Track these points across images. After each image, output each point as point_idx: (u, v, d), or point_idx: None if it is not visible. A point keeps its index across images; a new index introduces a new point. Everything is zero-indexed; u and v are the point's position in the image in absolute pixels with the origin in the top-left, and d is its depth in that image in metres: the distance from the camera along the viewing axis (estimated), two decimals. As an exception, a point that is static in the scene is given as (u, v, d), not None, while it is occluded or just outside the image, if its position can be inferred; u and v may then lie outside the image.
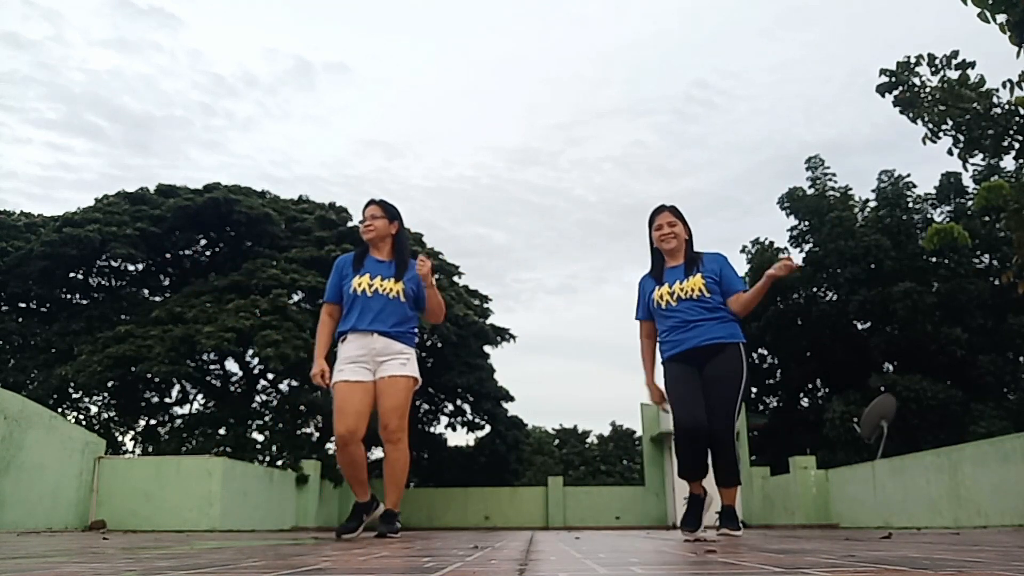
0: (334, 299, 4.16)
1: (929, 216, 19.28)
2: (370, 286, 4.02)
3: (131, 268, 18.38)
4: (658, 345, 4.08)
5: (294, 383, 17.64)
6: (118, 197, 17.96)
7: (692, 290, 3.91)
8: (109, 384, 15.39)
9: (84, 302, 18.28)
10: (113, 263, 17.85)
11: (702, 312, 3.88)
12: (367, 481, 4.09)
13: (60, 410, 15.26)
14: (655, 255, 4.13)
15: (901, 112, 7.13)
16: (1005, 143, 6.93)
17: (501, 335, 21.24)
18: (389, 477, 4.05)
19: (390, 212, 4.22)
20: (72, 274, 17.80)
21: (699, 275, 3.94)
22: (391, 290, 4.03)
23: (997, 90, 6.80)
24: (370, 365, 3.97)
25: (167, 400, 17.85)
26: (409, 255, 4.23)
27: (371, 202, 4.25)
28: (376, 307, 3.99)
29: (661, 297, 3.97)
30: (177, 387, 17.54)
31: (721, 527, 3.96)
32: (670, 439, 17.65)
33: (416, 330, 4.16)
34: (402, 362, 3.98)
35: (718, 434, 3.80)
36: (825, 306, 19.08)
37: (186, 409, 18.09)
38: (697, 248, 4.13)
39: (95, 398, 17.35)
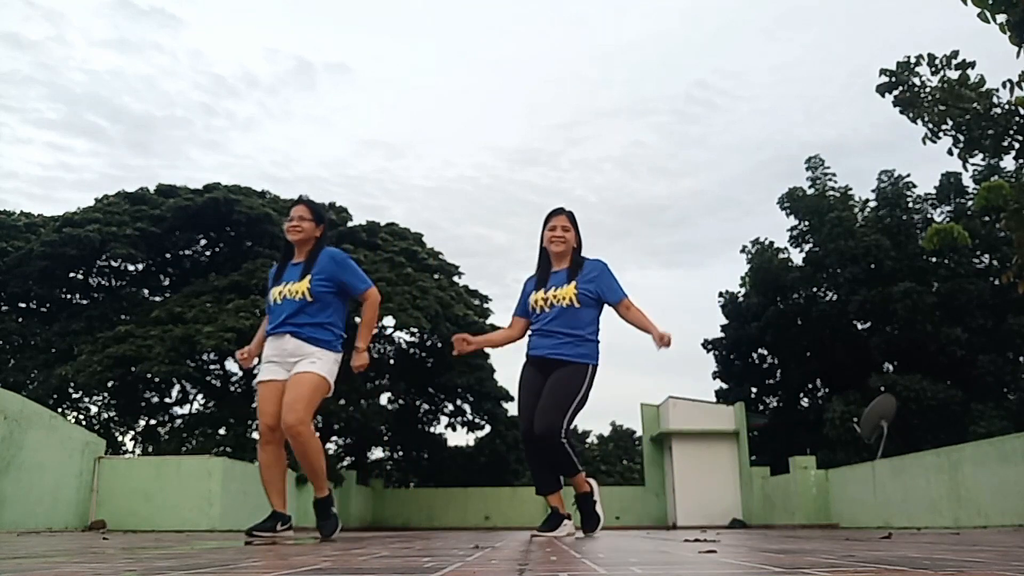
0: (267, 311, 4.19)
1: (929, 216, 19.28)
2: (280, 294, 4.01)
3: (131, 268, 18.38)
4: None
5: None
6: (118, 197, 17.96)
7: (563, 299, 4.02)
8: (109, 384, 15.40)
9: (84, 302, 18.28)
10: (113, 263, 17.85)
11: (564, 326, 4.01)
12: (283, 492, 4.06)
13: (60, 410, 15.26)
14: (542, 256, 4.22)
15: (901, 112, 7.12)
16: (1005, 143, 6.93)
17: (501, 335, 21.20)
18: (305, 467, 4.00)
19: (318, 215, 4.13)
20: (72, 274, 17.80)
21: (573, 284, 4.03)
22: (296, 291, 3.97)
23: (997, 90, 6.80)
24: (285, 365, 3.94)
25: (167, 400, 17.86)
26: (320, 253, 4.09)
27: (300, 201, 4.16)
28: (283, 311, 3.96)
29: (536, 302, 4.11)
30: (177, 387, 17.55)
31: (581, 527, 4.13)
32: (670, 439, 17.65)
33: (336, 332, 4.02)
34: (311, 361, 3.90)
35: (543, 441, 3.92)
36: (825, 306, 19.08)
37: (186, 409, 18.11)
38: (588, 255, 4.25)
39: (95, 398, 17.36)
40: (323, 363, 3.90)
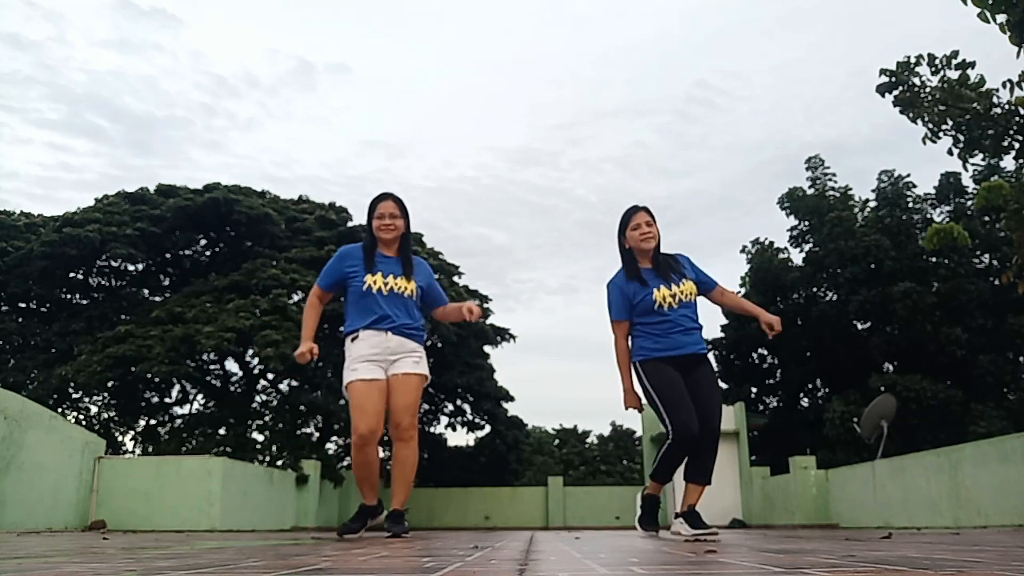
0: (330, 287, 4.10)
1: (929, 216, 19.28)
2: (385, 284, 3.97)
3: (131, 268, 18.38)
4: (634, 341, 4.01)
5: (294, 383, 17.64)
6: (118, 197, 17.96)
7: (691, 295, 4.01)
8: (109, 384, 15.40)
9: (84, 302, 18.28)
10: (113, 263, 17.85)
11: (695, 321, 4.01)
12: (378, 484, 4.08)
13: (60, 410, 15.26)
14: (627, 256, 4.10)
15: (901, 112, 7.12)
16: (1005, 143, 6.92)
17: (501, 335, 21.25)
18: (399, 476, 4.01)
19: (405, 211, 4.17)
20: (72, 274, 17.80)
21: (691, 281, 4.04)
22: (405, 288, 4.00)
23: (997, 90, 6.79)
24: (383, 364, 3.93)
25: (167, 400, 17.86)
26: (412, 253, 4.21)
27: (387, 196, 4.13)
28: (392, 306, 3.96)
29: (664, 299, 3.92)
30: (177, 387, 17.55)
31: (696, 528, 3.99)
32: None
33: (424, 329, 4.15)
34: (415, 360, 3.97)
35: (715, 434, 3.91)
36: (825, 306, 19.07)
37: (186, 409, 18.11)
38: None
39: (95, 398, 17.35)
40: (424, 361, 4.04)
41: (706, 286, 4.12)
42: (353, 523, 4.02)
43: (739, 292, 21.75)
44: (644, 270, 4.03)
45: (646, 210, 4.15)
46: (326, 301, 4.16)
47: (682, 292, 3.97)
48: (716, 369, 4.09)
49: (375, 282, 3.97)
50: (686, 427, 3.78)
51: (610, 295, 4.05)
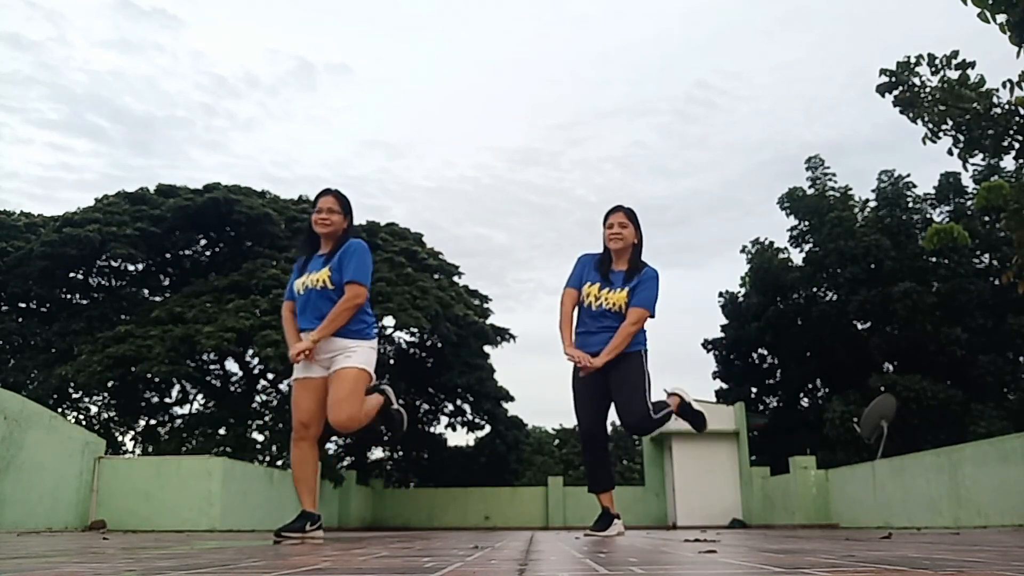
0: (290, 297, 4.10)
1: (929, 216, 19.28)
2: (303, 285, 3.94)
3: (131, 268, 18.37)
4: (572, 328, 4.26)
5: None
6: (118, 197, 17.95)
7: (613, 304, 4.10)
8: (109, 384, 15.39)
9: (84, 302, 18.27)
10: (113, 263, 17.84)
11: (604, 326, 4.10)
12: (315, 491, 3.96)
13: (60, 410, 15.26)
14: (607, 251, 4.26)
15: (901, 112, 7.12)
16: (1005, 143, 6.92)
17: (501, 335, 21.24)
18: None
19: (345, 207, 4.05)
20: (72, 274, 17.79)
21: (626, 290, 4.10)
22: (317, 280, 3.89)
23: (997, 90, 6.80)
24: (322, 363, 3.88)
25: (167, 400, 17.85)
26: (345, 244, 4.02)
27: (327, 192, 4.05)
28: (309, 303, 3.90)
29: (587, 296, 4.15)
30: (177, 387, 17.55)
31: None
32: (670, 439, 17.65)
33: (368, 319, 3.97)
34: (348, 355, 3.83)
35: (641, 425, 4.09)
36: (825, 306, 19.07)
37: (186, 409, 18.10)
38: (646, 258, 4.29)
39: (95, 398, 17.35)
40: (360, 354, 3.85)
41: (631, 299, 4.11)
42: (295, 522, 3.85)
43: (739, 292, 21.76)
44: (615, 272, 4.19)
45: (626, 212, 4.22)
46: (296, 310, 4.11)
47: (607, 298, 4.09)
48: (640, 362, 4.15)
49: (298, 286, 3.98)
50: (582, 429, 4.22)
51: (575, 264, 4.33)
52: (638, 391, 4.03)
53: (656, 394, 4.17)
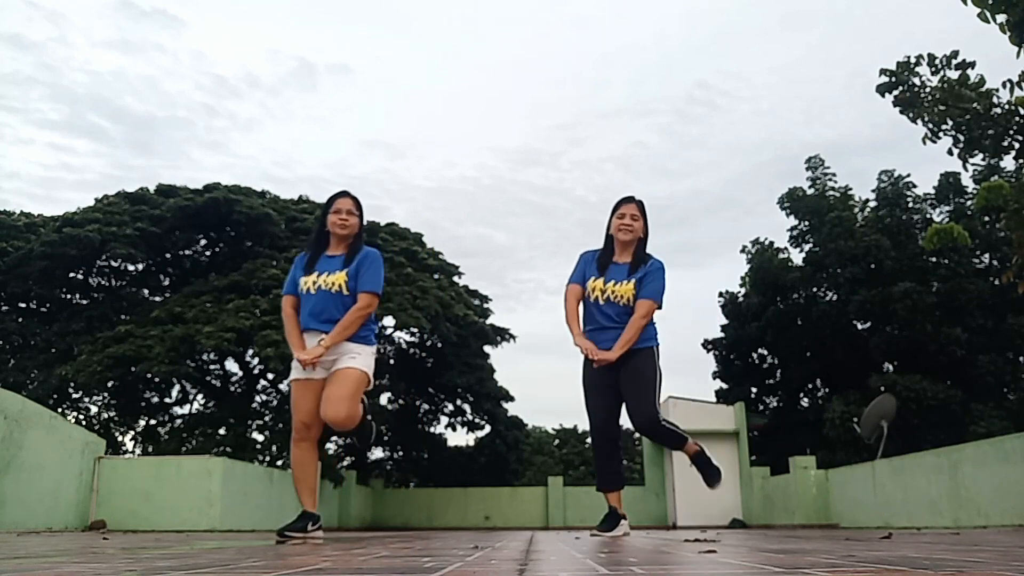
0: (291, 291, 4.09)
1: (929, 216, 19.28)
2: (314, 283, 3.95)
3: (131, 268, 18.36)
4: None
5: (294, 383, 17.61)
6: (118, 197, 17.95)
7: (621, 296, 4.04)
8: (109, 384, 15.38)
9: (84, 302, 18.26)
10: (113, 263, 17.83)
11: (613, 320, 4.04)
12: (315, 491, 3.98)
13: (60, 410, 15.25)
14: (608, 241, 4.20)
15: (901, 112, 7.12)
16: (1005, 143, 6.92)
17: (501, 335, 21.24)
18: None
19: (361, 210, 4.14)
20: (72, 274, 17.79)
21: (632, 282, 4.05)
22: (332, 283, 3.92)
23: (997, 90, 6.79)
24: (326, 363, 3.90)
25: (167, 400, 17.85)
26: (360, 248, 4.08)
27: (345, 194, 4.12)
28: (317, 304, 3.92)
29: (593, 290, 4.10)
30: (177, 387, 17.54)
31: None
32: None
33: (371, 326, 4.02)
34: (351, 357, 3.88)
35: (649, 424, 4.00)
36: (825, 306, 19.07)
37: (186, 409, 18.10)
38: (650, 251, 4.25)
39: (95, 398, 17.35)
40: (363, 358, 3.91)
41: (639, 292, 4.08)
42: (297, 522, 3.87)
43: (739, 292, 21.76)
44: (615, 264, 4.13)
45: (638, 204, 4.17)
46: (298, 307, 4.10)
47: (614, 291, 4.04)
48: (654, 360, 4.09)
49: (305, 283, 3.98)
50: (593, 425, 4.14)
51: (577, 262, 4.28)
52: (648, 389, 3.99)
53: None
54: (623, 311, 4.03)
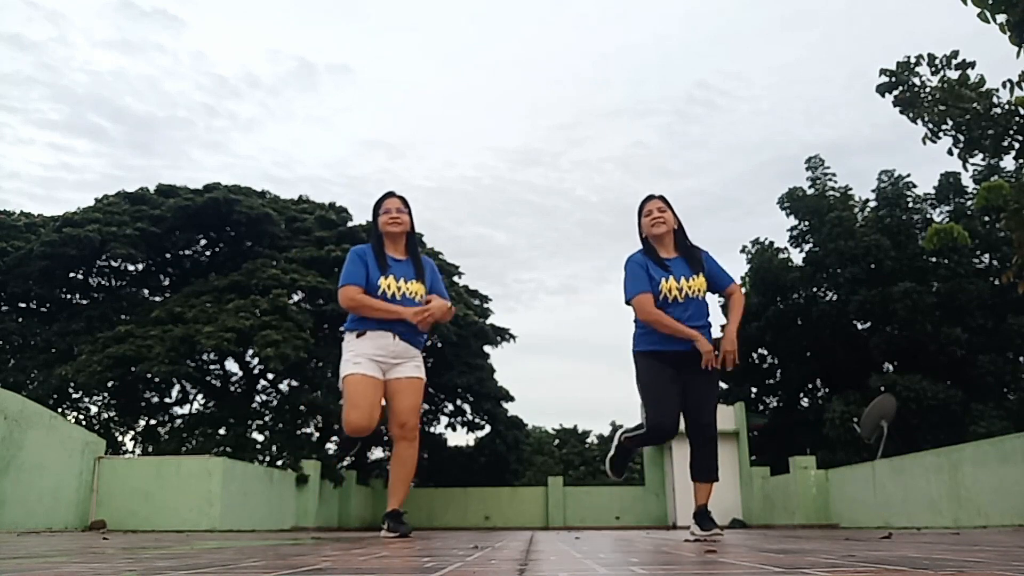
0: (361, 283, 3.99)
1: (929, 216, 19.27)
2: (398, 289, 4.01)
3: (131, 268, 18.37)
4: (638, 334, 3.94)
5: (294, 383, 17.64)
6: (118, 197, 17.96)
7: (699, 291, 3.93)
8: (109, 384, 15.38)
9: (84, 302, 18.27)
10: (113, 263, 17.84)
11: (702, 318, 3.92)
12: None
13: (60, 410, 15.25)
14: (647, 245, 4.06)
15: (901, 112, 7.11)
16: (1005, 143, 6.92)
17: (501, 335, 21.24)
18: (399, 475, 4.08)
19: (409, 208, 4.28)
20: (72, 274, 17.79)
21: (703, 276, 3.96)
22: (416, 293, 4.07)
23: (997, 90, 6.79)
24: (384, 365, 3.98)
25: (167, 400, 17.85)
26: (419, 254, 4.30)
27: (393, 194, 4.26)
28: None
29: (670, 290, 3.85)
30: (177, 387, 17.54)
31: (704, 529, 3.91)
32: (670, 440, 17.64)
33: (425, 333, 4.21)
34: (417, 364, 4.09)
35: (708, 431, 3.88)
36: (825, 306, 19.06)
37: (186, 409, 18.10)
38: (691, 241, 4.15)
39: (95, 398, 17.34)
40: (423, 366, 4.15)
41: (718, 282, 4.01)
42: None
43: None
44: (670, 260, 3.96)
45: (660, 198, 4.12)
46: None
47: (690, 287, 3.89)
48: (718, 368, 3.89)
49: (388, 285, 4.00)
50: (659, 426, 3.78)
51: (627, 271, 3.94)
52: (713, 399, 3.95)
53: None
54: (700, 305, 3.93)
